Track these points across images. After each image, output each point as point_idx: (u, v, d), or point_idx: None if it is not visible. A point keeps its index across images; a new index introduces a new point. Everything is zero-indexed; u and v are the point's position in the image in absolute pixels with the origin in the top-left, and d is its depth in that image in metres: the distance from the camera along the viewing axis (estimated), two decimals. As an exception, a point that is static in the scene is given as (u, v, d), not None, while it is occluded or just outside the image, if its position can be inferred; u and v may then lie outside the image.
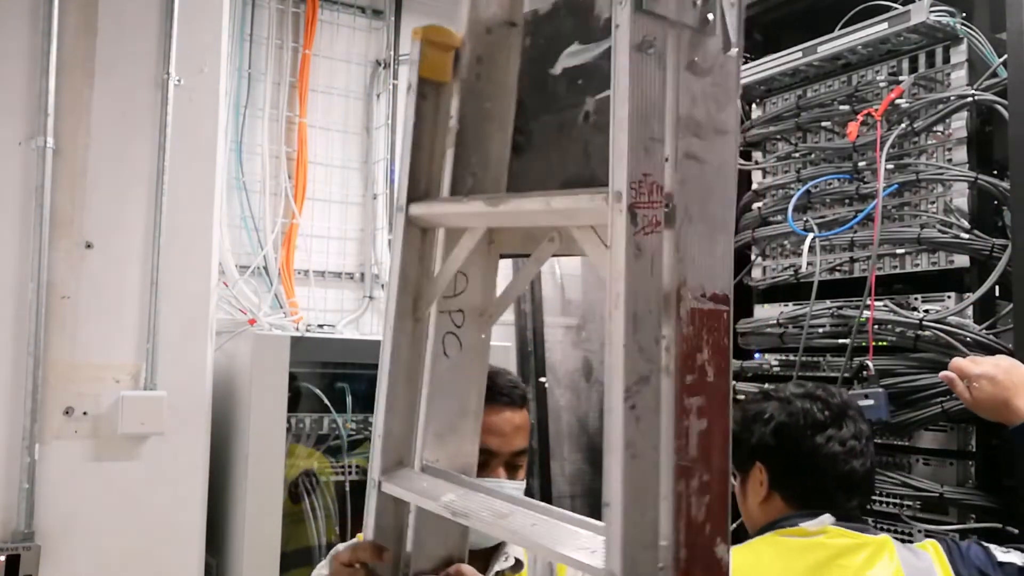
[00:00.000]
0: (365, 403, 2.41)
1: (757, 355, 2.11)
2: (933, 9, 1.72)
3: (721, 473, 0.70)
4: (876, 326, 1.78)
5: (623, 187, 0.66)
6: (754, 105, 2.20)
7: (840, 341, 1.86)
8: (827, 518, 1.36)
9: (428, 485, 0.92)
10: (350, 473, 2.32)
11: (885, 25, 1.80)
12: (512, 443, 1.33)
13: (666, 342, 0.68)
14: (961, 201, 1.72)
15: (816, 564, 1.32)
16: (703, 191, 0.70)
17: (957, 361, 1.53)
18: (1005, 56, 1.66)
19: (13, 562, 1.85)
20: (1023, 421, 1.40)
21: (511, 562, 1.37)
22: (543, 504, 0.83)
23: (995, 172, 1.72)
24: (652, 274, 0.67)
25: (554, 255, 0.92)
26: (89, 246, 2.00)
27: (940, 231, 1.73)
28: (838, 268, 1.94)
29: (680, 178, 0.69)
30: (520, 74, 1.02)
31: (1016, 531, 1.56)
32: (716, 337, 0.70)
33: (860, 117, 1.85)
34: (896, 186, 1.81)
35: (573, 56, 0.93)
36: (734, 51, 0.72)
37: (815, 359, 1.93)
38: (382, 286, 2.99)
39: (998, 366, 1.47)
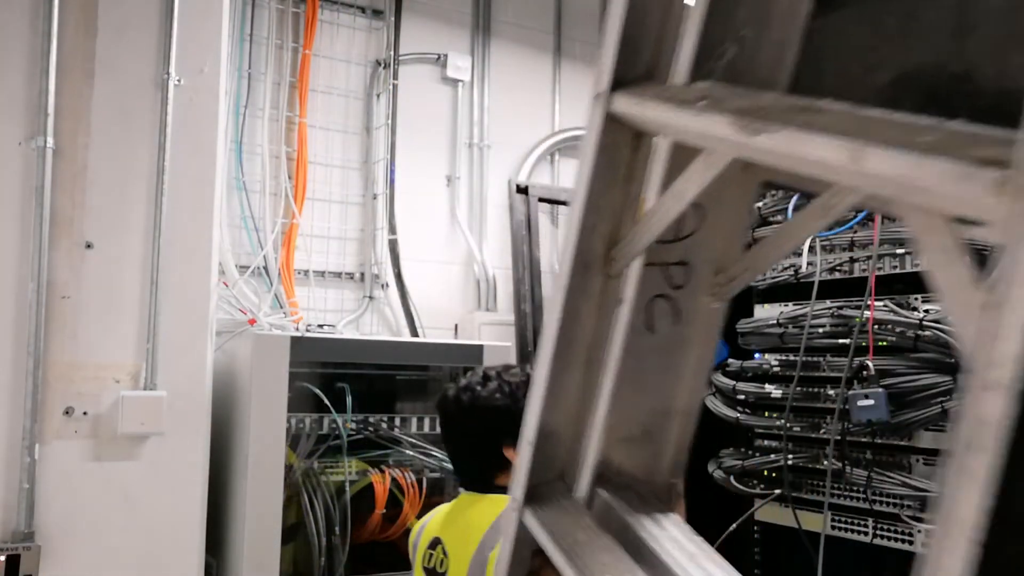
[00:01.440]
0: (365, 403, 2.41)
1: (757, 355, 2.11)
2: (933, 9, 1.72)
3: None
4: (876, 326, 1.78)
5: None
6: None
7: (840, 341, 1.86)
8: None
9: (585, 537, 0.62)
10: (350, 473, 2.32)
11: (885, 25, 1.80)
12: None
13: None
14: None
15: None
16: None
17: None
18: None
19: (13, 562, 1.85)
20: None
21: None
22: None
23: (995, 172, 1.73)
24: None
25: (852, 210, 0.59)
26: (89, 246, 2.00)
27: (940, 231, 1.73)
28: (838, 268, 1.94)
29: None
30: None
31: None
32: None
33: (860, 117, 1.85)
34: (896, 186, 1.81)
35: None
36: None
37: (815, 359, 1.93)
38: (383, 286, 2.99)
39: None
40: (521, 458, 0.69)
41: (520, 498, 0.68)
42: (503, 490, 1.75)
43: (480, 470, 1.82)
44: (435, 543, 1.82)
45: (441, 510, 1.97)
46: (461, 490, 2.00)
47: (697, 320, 0.67)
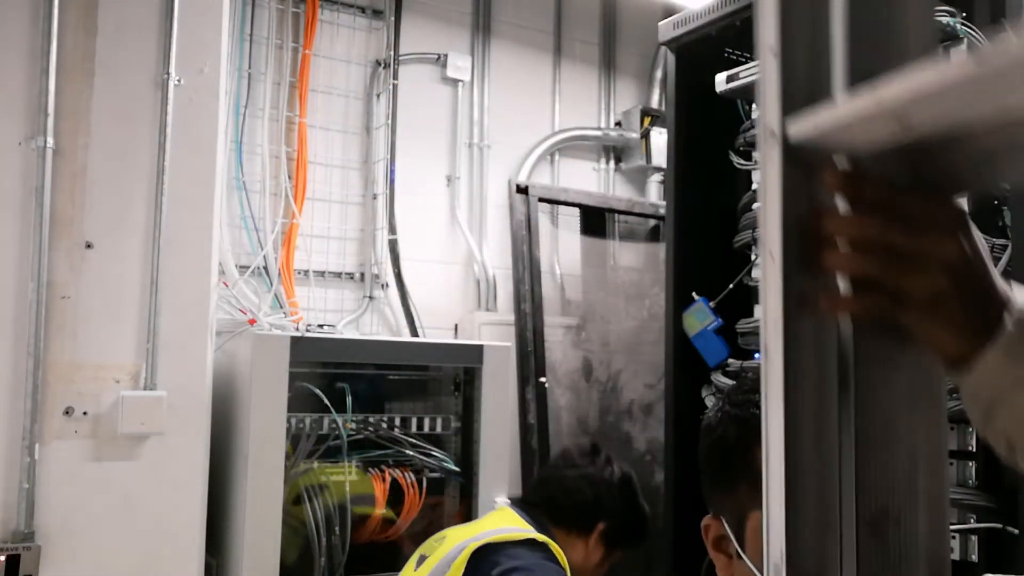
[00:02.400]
0: (365, 403, 2.41)
1: (757, 355, 2.11)
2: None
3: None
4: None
5: None
6: (754, 105, 2.19)
7: (840, 341, 1.86)
8: None
9: None
10: (350, 474, 2.32)
11: (885, 25, 1.79)
12: None
13: None
14: (961, 201, 1.72)
15: None
16: None
17: None
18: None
19: (13, 562, 1.85)
20: None
21: None
22: None
23: (995, 172, 1.73)
24: None
25: None
26: (89, 246, 2.00)
27: (940, 231, 1.73)
28: (838, 268, 1.94)
29: None
30: None
31: (1016, 531, 1.56)
32: None
33: (860, 117, 1.85)
34: (896, 186, 1.81)
35: None
36: None
37: (815, 359, 1.93)
38: (383, 286, 2.99)
39: None
40: None
41: None
42: (543, 533, 1.77)
43: (560, 509, 1.86)
44: (441, 537, 1.82)
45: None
46: (501, 502, 2.00)
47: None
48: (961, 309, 0.57)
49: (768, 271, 0.56)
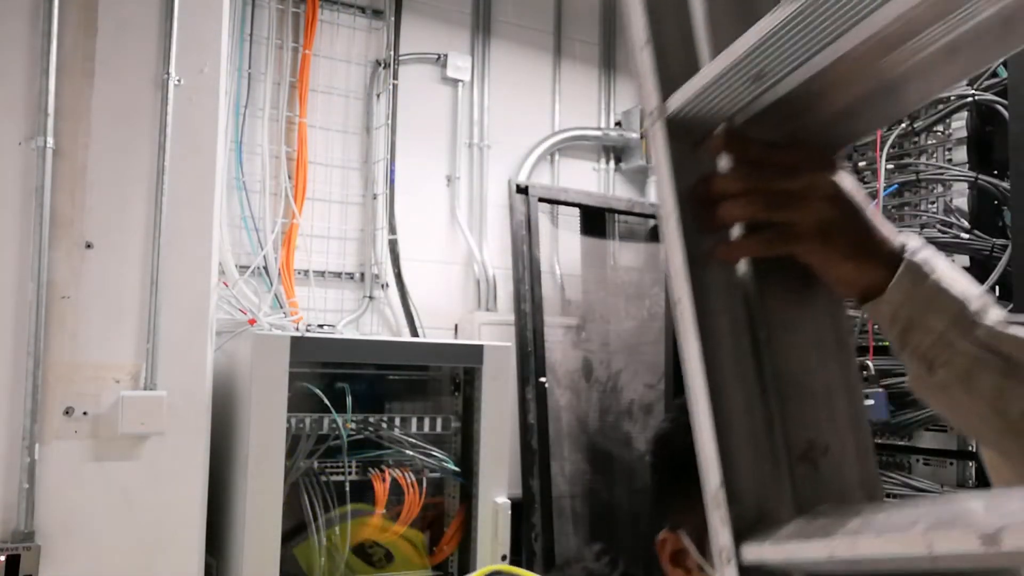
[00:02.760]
0: (365, 403, 2.41)
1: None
2: (933, 9, 1.72)
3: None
4: (876, 326, 1.78)
5: None
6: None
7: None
8: None
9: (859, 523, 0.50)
10: (350, 473, 2.32)
11: (885, 25, 1.80)
12: None
13: None
14: (961, 201, 1.73)
15: None
16: None
17: None
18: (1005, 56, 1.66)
19: (13, 562, 1.85)
20: None
21: None
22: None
23: (995, 172, 1.73)
24: None
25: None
26: (89, 246, 2.00)
27: (940, 231, 1.73)
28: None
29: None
30: None
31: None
32: None
33: (860, 117, 1.85)
34: (896, 186, 1.81)
35: None
36: None
37: (815, 359, 1.93)
38: (383, 286, 2.99)
39: None
40: (713, 510, 0.58)
41: (728, 545, 0.55)
42: None
43: None
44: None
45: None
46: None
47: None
48: (854, 235, 0.63)
49: (669, 237, 0.61)
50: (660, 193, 0.62)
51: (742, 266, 0.62)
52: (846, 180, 0.63)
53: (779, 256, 0.62)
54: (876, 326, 1.74)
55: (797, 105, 0.58)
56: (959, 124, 1.72)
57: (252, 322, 2.38)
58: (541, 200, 3.20)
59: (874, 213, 0.65)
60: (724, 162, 0.62)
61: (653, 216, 3.46)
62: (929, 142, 1.77)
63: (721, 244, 0.61)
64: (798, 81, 0.54)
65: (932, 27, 0.50)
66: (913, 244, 0.65)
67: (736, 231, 0.62)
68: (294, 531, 2.29)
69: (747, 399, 0.58)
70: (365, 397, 2.41)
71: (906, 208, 1.80)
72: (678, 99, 0.60)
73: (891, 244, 0.64)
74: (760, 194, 0.61)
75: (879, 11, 0.47)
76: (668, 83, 0.61)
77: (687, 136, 0.61)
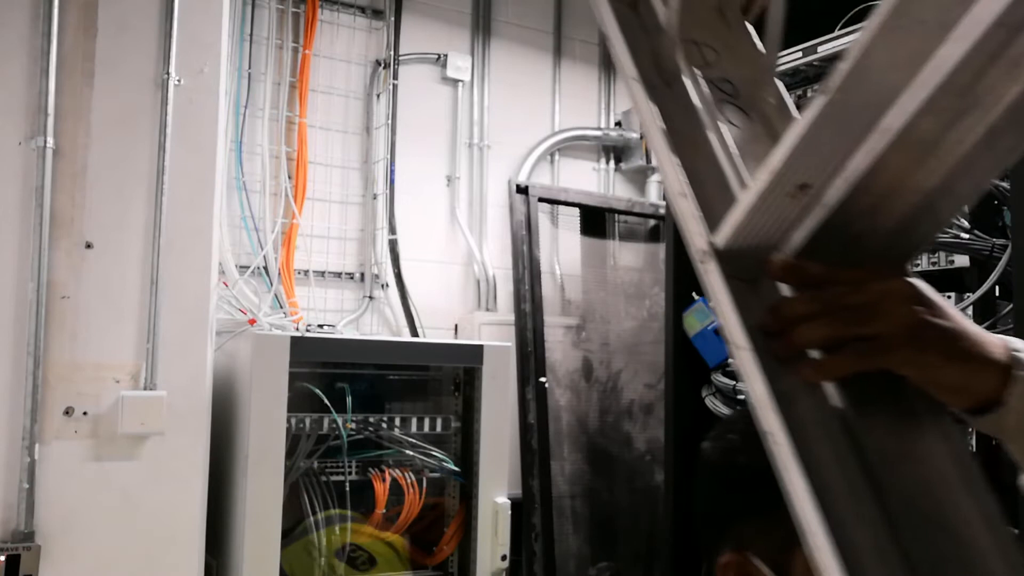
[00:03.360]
0: (365, 403, 2.41)
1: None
2: (933, 9, 1.72)
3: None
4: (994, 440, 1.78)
5: None
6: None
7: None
8: None
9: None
10: (350, 473, 2.32)
11: (885, 25, 1.80)
12: None
13: None
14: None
15: None
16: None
17: None
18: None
19: (13, 562, 1.85)
20: None
21: None
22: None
23: (995, 172, 1.73)
24: None
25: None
26: (89, 246, 2.00)
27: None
28: (838, 268, 1.94)
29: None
30: None
31: (1016, 532, 1.57)
32: None
33: (860, 117, 1.85)
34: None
35: None
36: None
37: (815, 359, 1.93)
38: (383, 286, 2.99)
39: None
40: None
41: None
42: None
43: None
44: None
45: None
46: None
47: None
48: (948, 336, 0.56)
49: (747, 370, 0.57)
50: (727, 330, 0.58)
51: (833, 396, 0.57)
52: (920, 283, 0.58)
53: (875, 382, 0.57)
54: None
55: (850, 229, 0.55)
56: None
57: (252, 322, 2.38)
58: (541, 200, 3.20)
59: (960, 313, 0.59)
60: (787, 290, 0.59)
61: (653, 216, 3.46)
62: (929, 142, 1.77)
63: (806, 366, 0.56)
64: (843, 191, 0.52)
65: (964, 118, 0.47)
66: (1016, 343, 0.59)
67: (815, 355, 0.57)
68: (285, 533, 2.29)
69: (875, 538, 0.52)
70: (365, 397, 2.42)
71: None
72: (726, 231, 0.58)
73: (990, 343, 0.58)
74: (836, 311, 0.56)
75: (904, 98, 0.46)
76: (712, 219, 0.60)
77: (743, 269, 0.58)
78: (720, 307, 0.59)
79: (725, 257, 0.58)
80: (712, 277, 0.59)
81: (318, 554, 2.26)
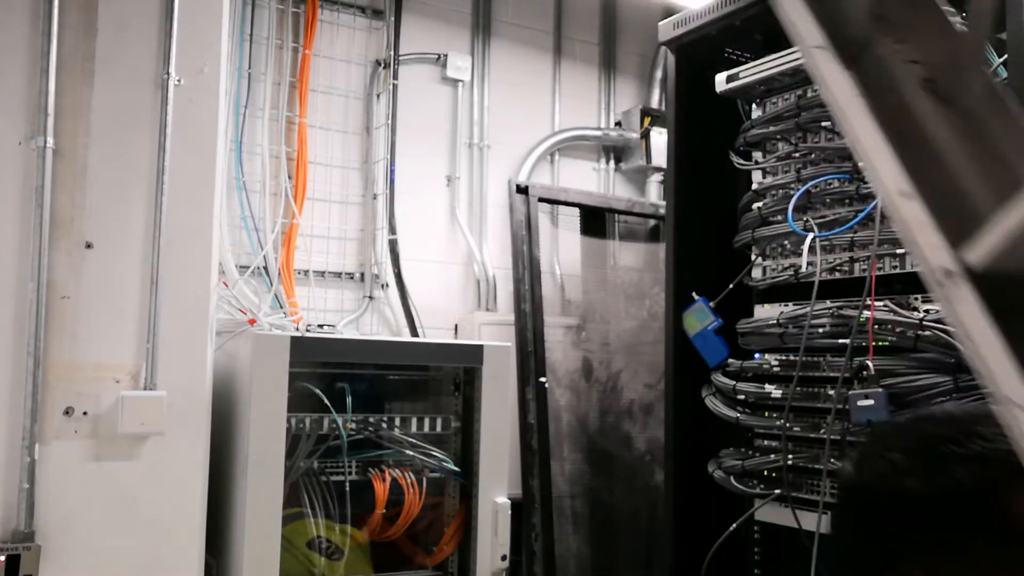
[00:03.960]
0: (365, 403, 2.41)
1: (757, 355, 2.11)
2: (933, 9, 1.72)
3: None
4: (876, 326, 1.78)
5: None
6: (754, 105, 2.19)
7: (840, 341, 1.86)
8: None
9: None
10: (350, 473, 2.32)
11: (886, 25, 1.79)
12: None
13: None
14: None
15: None
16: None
17: None
18: (1005, 56, 1.66)
19: (13, 562, 1.85)
20: None
21: None
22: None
23: (995, 172, 1.72)
24: None
25: None
26: (89, 246, 2.00)
27: (940, 231, 1.72)
28: (838, 268, 1.94)
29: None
30: None
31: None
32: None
33: (860, 117, 1.84)
34: (896, 186, 1.81)
35: None
36: None
37: (815, 359, 1.92)
38: (383, 286, 2.99)
39: None
40: None
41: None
42: None
43: None
44: None
45: None
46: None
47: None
48: None
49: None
50: (993, 378, 0.44)
51: None
52: None
53: None
54: (876, 326, 1.74)
55: None
56: (959, 124, 1.72)
57: (252, 322, 2.38)
58: (541, 200, 3.20)
59: None
60: None
61: (653, 216, 3.46)
62: (929, 142, 1.77)
63: None
64: None
65: None
66: None
67: None
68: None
69: None
70: (365, 397, 2.41)
71: (906, 208, 1.80)
72: (989, 244, 0.43)
73: None
74: None
75: None
76: (956, 230, 0.44)
77: (1009, 291, 0.43)
78: (980, 350, 0.43)
79: (986, 282, 0.43)
80: (965, 307, 0.44)
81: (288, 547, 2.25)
